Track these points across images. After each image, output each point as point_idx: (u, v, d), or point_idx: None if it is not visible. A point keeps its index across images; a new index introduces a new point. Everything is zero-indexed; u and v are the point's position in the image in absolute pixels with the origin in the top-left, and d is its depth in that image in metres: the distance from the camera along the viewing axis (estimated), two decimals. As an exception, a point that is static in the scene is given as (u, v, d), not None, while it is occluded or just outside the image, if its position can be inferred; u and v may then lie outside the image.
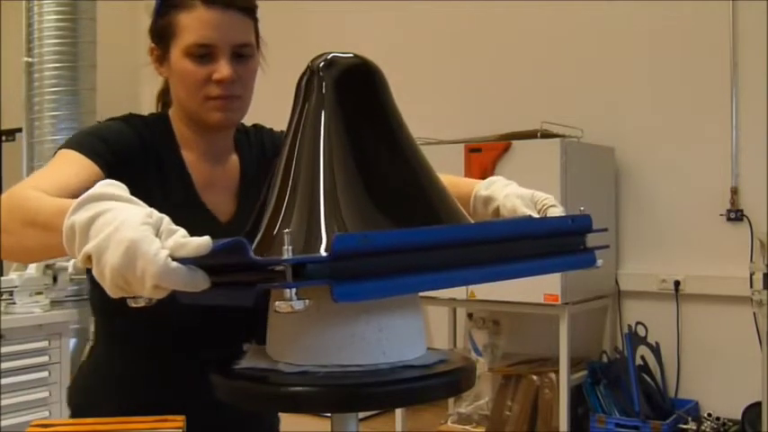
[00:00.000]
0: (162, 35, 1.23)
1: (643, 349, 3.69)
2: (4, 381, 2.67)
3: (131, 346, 1.26)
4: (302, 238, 0.89)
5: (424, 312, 1.02)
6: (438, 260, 0.84)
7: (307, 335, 0.89)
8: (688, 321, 3.79)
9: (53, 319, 2.89)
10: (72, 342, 3.36)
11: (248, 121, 1.37)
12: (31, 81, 3.98)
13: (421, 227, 0.90)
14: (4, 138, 5.91)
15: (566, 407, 3.43)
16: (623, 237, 3.96)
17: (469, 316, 3.87)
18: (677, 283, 3.76)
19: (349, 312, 0.88)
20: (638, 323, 3.71)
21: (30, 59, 3.96)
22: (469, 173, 3.54)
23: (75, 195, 0.84)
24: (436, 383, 0.91)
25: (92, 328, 1.46)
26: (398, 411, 3.79)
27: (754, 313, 3.36)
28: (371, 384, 0.87)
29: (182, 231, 0.77)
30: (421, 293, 0.94)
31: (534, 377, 3.60)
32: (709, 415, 3.54)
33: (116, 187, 0.82)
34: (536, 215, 1.14)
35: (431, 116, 4.20)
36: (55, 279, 3.00)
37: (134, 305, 0.82)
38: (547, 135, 3.53)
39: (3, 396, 2.66)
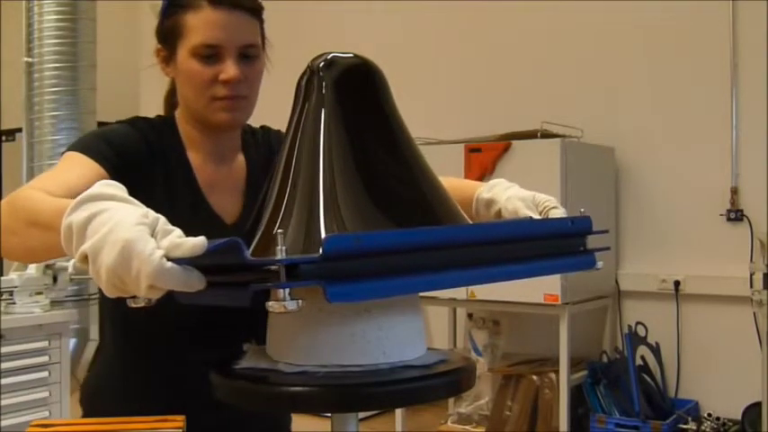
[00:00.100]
0: (168, 36, 1.23)
1: (643, 349, 3.69)
2: (4, 381, 2.67)
3: (140, 345, 1.27)
4: (302, 239, 0.89)
5: (424, 312, 1.02)
6: (434, 261, 0.84)
7: (307, 335, 0.89)
8: (688, 321, 3.79)
9: (53, 319, 2.88)
10: (72, 342, 3.37)
11: (249, 120, 1.37)
12: (31, 81, 3.98)
13: (416, 227, 0.90)
14: (4, 138, 5.92)
15: (566, 407, 3.43)
16: (623, 237, 3.96)
17: (469, 316, 3.87)
18: (677, 283, 3.76)
19: (349, 312, 0.88)
20: (638, 323, 3.71)
21: (30, 59, 3.97)
22: (469, 173, 3.54)
23: None
24: (436, 383, 0.91)
25: (94, 328, 1.47)
26: (398, 411, 3.80)
27: (754, 313, 3.36)
28: (371, 384, 0.87)
29: (177, 231, 0.77)
30: (421, 293, 0.94)
31: (534, 377, 3.60)
32: (710, 415, 3.54)
33: (113, 187, 0.82)
34: (538, 217, 1.14)
35: (431, 116, 4.21)
36: (55, 279, 3.00)
37: (133, 305, 0.82)
38: (547, 135, 3.53)
39: (3, 396, 2.66)
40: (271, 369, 0.92)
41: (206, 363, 0.98)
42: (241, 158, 1.33)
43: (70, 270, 3.00)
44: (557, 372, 3.49)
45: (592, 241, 1.05)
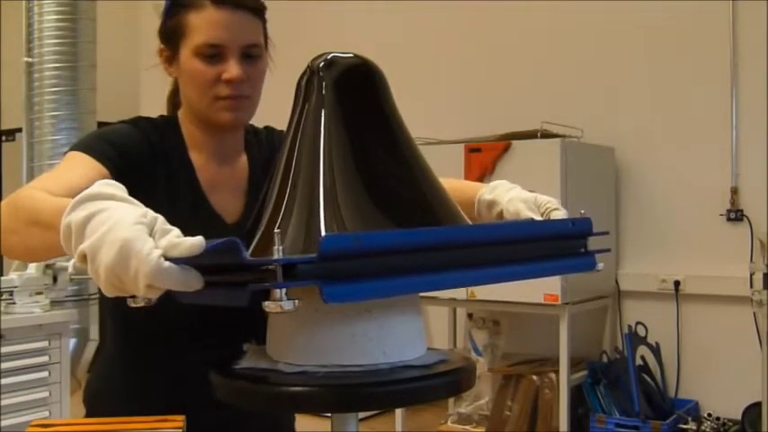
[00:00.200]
0: (171, 36, 1.23)
1: (643, 349, 3.69)
2: (4, 381, 2.67)
3: (140, 345, 1.27)
4: (302, 239, 0.89)
5: (424, 312, 1.02)
6: (434, 262, 0.84)
7: (307, 335, 0.89)
8: (688, 321, 3.79)
9: (53, 319, 2.88)
10: (72, 342, 3.37)
11: (251, 121, 1.37)
12: (31, 81, 3.98)
13: (415, 228, 0.90)
14: (4, 138, 5.92)
15: (566, 407, 3.43)
16: (623, 237, 3.96)
17: (469, 316, 3.87)
18: (677, 283, 3.76)
19: (349, 312, 0.88)
20: (638, 323, 3.71)
21: (30, 59, 3.96)
22: (469, 173, 3.54)
23: None
24: (436, 383, 0.90)
25: (94, 328, 1.47)
26: (398, 411, 3.80)
27: (754, 313, 3.36)
28: (371, 384, 0.87)
29: (175, 231, 0.77)
30: (421, 293, 0.94)
31: (534, 377, 3.60)
32: (710, 415, 3.54)
33: (112, 187, 0.82)
34: (539, 218, 1.14)
35: (431, 116, 4.21)
36: (55, 279, 3.00)
37: (133, 305, 0.82)
38: (547, 135, 3.53)
39: (3, 396, 2.66)
40: (271, 369, 0.92)
41: (206, 362, 0.98)
42: (244, 158, 1.33)
43: (70, 270, 3.00)
44: (557, 372, 3.49)
45: (592, 242, 1.05)
